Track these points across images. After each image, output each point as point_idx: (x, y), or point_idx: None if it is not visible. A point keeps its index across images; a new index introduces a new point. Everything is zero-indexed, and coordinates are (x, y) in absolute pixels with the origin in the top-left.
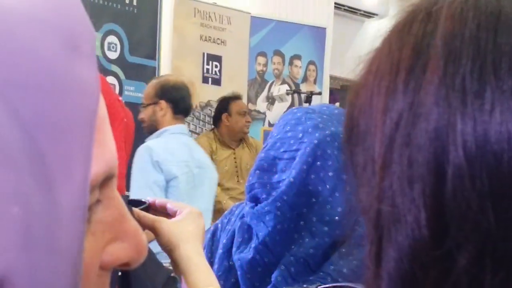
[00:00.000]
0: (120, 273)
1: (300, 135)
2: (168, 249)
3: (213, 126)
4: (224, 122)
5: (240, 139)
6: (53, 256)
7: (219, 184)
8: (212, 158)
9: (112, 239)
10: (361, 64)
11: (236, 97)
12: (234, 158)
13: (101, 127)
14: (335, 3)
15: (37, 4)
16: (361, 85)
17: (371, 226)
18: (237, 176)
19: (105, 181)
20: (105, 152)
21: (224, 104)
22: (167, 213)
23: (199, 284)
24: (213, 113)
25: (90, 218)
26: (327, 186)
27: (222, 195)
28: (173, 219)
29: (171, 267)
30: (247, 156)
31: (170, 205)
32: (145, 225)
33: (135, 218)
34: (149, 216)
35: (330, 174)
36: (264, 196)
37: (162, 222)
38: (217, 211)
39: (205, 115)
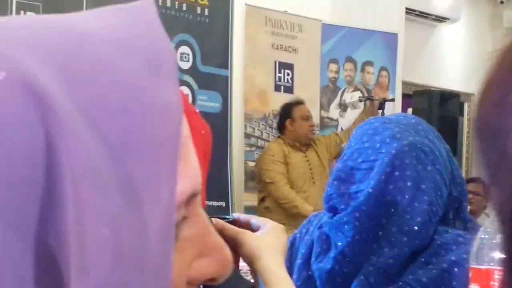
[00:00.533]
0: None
1: (378, 145)
2: (250, 261)
3: (279, 134)
4: (289, 128)
5: (308, 143)
6: (142, 274)
7: (295, 187)
8: (286, 162)
9: (198, 255)
10: (494, 58)
11: (298, 102)
12: (307, 161)
13: (185, 145)
14: (406, 8)
15: (118, 27)
16: (493, 80)
17: (506, 227)
18: (312, 178)
19: (191, 198)
20: (189, 170)
21: (287, 110)
22: (251, 228)
23: None
24: None
25: (177, 235)
26: (406, 196)
27: (297, 198)
28: (256, 233)
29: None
30: (316, 157)
31: (254, 220)
32: (228, 237)
33: (217, 229)
34: (232, 228)
35: (409, 184)
36: (342, 206)
37: (245, 234)
38: (293, 216)
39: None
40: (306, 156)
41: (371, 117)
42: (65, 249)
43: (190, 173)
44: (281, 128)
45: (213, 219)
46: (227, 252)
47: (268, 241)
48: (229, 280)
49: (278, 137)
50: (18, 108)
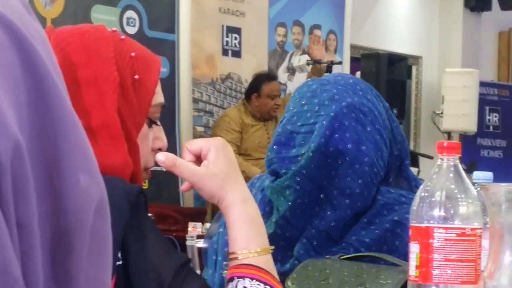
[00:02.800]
0: (120, 262)
1: (317, 108)
2: (214, 202)
3: (243, 99)
4: (254, 101)
5: (269, 119)
6: None
7: (248, 155)
8: (242, 131)
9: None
10: None
11: (270, 78)
12: (266, 130)
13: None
14: None
15: None
16: None
17: None
18: None
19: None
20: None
21: (256, 84)
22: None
23: (236, 244)
24: (233, 86)
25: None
26: (347, 158)
27: (244, 163)
28: (204, 165)
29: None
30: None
31: (195, 146)
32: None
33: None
34: (184, 169)
35: (349, 146)
36: (283, 170)
37: (199, 176)
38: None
39: (226, 88)
40: (265, 125)
41: (309, 79)
42: None
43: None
44: (246, 95)
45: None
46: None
47: (221, 171)
48: (157, 258)
49: (242, 102)
50: None
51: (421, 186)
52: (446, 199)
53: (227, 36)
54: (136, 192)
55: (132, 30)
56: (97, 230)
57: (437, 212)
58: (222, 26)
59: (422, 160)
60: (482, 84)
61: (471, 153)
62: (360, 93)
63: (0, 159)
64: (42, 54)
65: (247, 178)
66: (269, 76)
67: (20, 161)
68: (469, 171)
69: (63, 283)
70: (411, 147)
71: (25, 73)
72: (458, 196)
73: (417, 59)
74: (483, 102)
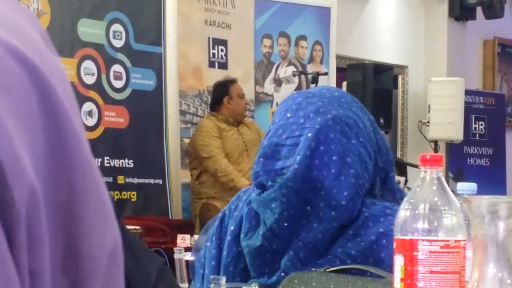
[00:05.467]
0: None
1: (302, 120)
2: None
3: (210, 111)
4: (226, 105)
5: (241, 121)
6: None
7: (230, 159)
8: (221, 136)
9: None
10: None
11: (233, 81)
12: (240, 134)
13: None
14: None
15: (14, 9)
16: None
17: None
18: (246, 151)
19: None
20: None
21: (224, 88)
22: None
23: None
24: None
25: None
26: (332, 171)
27: (235, 172)
28: None
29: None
30: (249, 132)
31: None
32: None
33: None
34: None
35: (334, 158)
36: (269, 183)
37: None
38: (231, 189)
39: None
40: (238, 130)
41: (294, 92)
42: None
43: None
44: (214, 105)
45: None
46: None
47: None
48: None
49: (210, 114)
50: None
51: (405, 199)
52: (430, 212)
53: (213, 48)
54: (112, 200)
55: (118, 43)
56: (110, 275)
57: (421, 225)
58: (209, 38)
59: (410, 169)
60: (468, 92)
61: (458, 162)
62: (345, 105)
63: (16, 207)
64: (60, 93)
65: (235, 187)
66: (231, 79)
67: (35, 207)
68: (456, 179)
69: None
70: (398, 156)
71: (43, 115)
72: (442, 208)
73: (403, 68)
74: (469, 110)
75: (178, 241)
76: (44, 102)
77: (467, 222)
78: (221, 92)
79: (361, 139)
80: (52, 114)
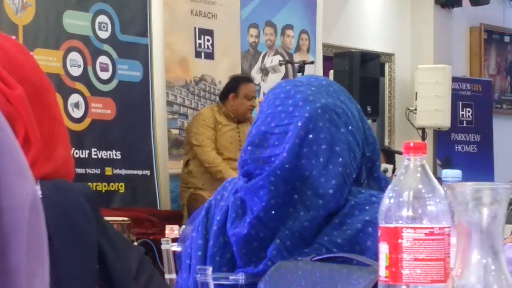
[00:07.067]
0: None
1: (291, 108)
2: None
3: (218, 100)
4: (230, 101)
5: (244, 121)
6: None
7: (221, 154)
8: (215, 129)
9: None
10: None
11: (247, 80)
12: (238, 132)
13: None
14: None
15: None
16: None
17: None
18: (240, 149)
19: None
20: None
21: (234, 84)
22: None
23: None
24: (207, 88)
25: None
26: (321, 159)
27: (223, 164)
28: None
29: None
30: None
31: None
32: None
33: None
34: None
35: (323, 147)
36: (257, 171)
37: None
38: (219, 180)
39: (199, 90)
40: (237, 127)
41: (282, 80)
42: None
43: None
44: (222, 96)
45: None
46: None
47: None
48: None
49: (216, 103)
50: None
51: (389, 187)
52: (414, 199)
53: (199, 38)
54: (91, 192)
55: (104, 35)
56: (33, 227)
57: (405, 212)
58: (195, 28)
59: (398, 157)
60: (455, 79)
61: (446, 149)
62: (334, 94)
63: None
64: None
65: (223, 179)
66: (247, 78)
67: None
68: (444, 166)
69: (4, 282)
70: (386, 144)
71: None
72: (426, 195)
73: (389, 56)
74: (456, 97)
75: (167, 231)
76: None
77: (452, 209)
78: (230, 87)
79: (350, 128)
80: None
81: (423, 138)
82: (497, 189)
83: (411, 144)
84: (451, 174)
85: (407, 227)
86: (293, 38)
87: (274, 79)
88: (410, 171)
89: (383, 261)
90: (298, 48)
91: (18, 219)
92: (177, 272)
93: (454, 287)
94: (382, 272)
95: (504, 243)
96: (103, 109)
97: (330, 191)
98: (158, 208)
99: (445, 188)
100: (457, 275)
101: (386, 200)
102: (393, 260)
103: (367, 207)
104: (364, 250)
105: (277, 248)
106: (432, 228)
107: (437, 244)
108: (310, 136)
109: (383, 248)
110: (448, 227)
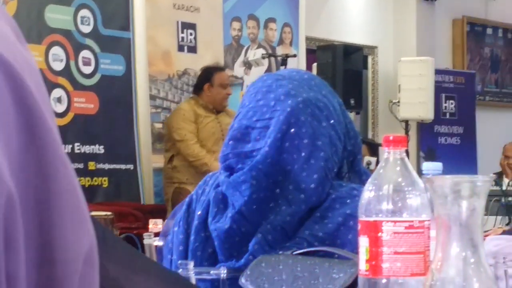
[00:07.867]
0: None
1: (273, 103)
2: None
3: (192, 94)
4: (206, 92)
5: (221, 110)
6: None
7: (204, 146)
8: (196, 122)
9: None
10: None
11: (219, 68)
12: (218, 122)
13: None
14: None
15: None
16: None
17: None
18: (223, 140)
19: None
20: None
21: (208, 74)
22: None
23: None
24: (190, 81)
25: None
26: (302, 154)
27: (207, 156)
28: None
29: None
30: (229, 121)
31: None
32: None
33: None
34: None
35: (305, 141)
36: (239, 165)
37: None
38: (202, 174)
39: (182, 84)
40: (217, 118)
41: (263, 74)
42: None
43: None
44: (196, 89)
45: None
46: None
47: None
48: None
49: (191, 97)
50: None
51: (369, 180)
52: (394, 192)
53: (182, 32)
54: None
55: (86, 29)
56: (85, 279)
57: (385, 206)
58: (177, 22)
59: (381, 150)
60: (438, 72)
61: (429, 141)
62: (315, 88)
63: None
64: (33, 90)
65: (208, 171)
66: (219, 67)
67: (11, 211)
68: (427, 159)
69: None
70: (370, 136)
71: (18, 115)
72: (406, 189)
73: (372, 49)
74: (439, 89)
75: (150, 226)
76: (18, 101)
77: (432, 202)
78: (204, 78)
79: (331, 122)
80: (27, 113)
81: (407, 131)
82: (475, 182)
83: (391, 138)
84: (432, 167)
85: (387, 221)
86: (276, 31)
87: (257, 72)
88: (389, 164)
89: (363, 255)
90: (281, 41)
91: (69, 272)
92: None
93: (434, 280)
94: (362, 265)
95: (491, 236)
96: (86, 104)
97: (312, 185)
98: (142, 202)
99: (425, 181)
100: (436, 268)
101: (366, 194)
102: (373, 254)
103: (348, 201)
104: (345, 244)
105: (259, 243)
106: (412, 221)
107: (417, 237)
108: (292, 130)
109: (363, 242)
110: (428, 220)
